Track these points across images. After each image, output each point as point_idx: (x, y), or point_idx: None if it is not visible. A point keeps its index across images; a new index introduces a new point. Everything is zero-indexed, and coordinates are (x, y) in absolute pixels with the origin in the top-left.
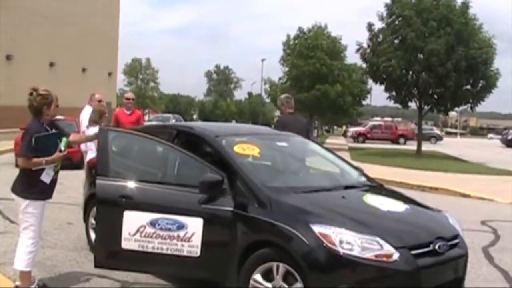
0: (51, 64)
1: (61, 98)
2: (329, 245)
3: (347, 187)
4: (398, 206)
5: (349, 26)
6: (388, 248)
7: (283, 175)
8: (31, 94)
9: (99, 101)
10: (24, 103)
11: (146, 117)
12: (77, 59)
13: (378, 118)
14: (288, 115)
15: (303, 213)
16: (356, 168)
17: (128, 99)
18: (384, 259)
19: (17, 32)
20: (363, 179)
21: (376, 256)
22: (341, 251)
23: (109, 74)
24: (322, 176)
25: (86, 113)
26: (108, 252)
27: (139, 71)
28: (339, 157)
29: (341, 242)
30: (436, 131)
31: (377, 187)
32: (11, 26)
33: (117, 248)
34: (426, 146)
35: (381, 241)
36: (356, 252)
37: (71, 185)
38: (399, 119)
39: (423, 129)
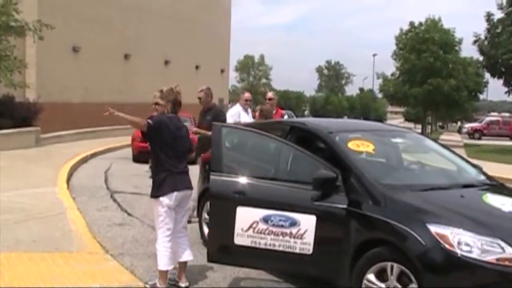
0: (166, 62)
1: None
2: (447, 246)
3: (465, 186)
4: None
5: (461, 17)
6: (511, 252)
7: (398, 172)
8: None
9: (270, 99)
10: (140, 100)
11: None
12: (191, 57)
13: (495, 114)
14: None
15: (419, 212)
16: (475, 166)
17: (270, 99)
18: (507, 263)
19: (133, 31)
20: (482, 177)
21: (497, 259)
22: (459, 252)
23: (222, 71)
24: (439, 173)
25: (233, 112)
26: (221, 247)
27: (251, 67)
28: (456, 154)
29: (459, 243)
30: None
31: (498, 186)
32: (127, 26)
33: (230, 243)
34: None
35: (503, 244)
36: (475, 254)
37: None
38: None
39: None
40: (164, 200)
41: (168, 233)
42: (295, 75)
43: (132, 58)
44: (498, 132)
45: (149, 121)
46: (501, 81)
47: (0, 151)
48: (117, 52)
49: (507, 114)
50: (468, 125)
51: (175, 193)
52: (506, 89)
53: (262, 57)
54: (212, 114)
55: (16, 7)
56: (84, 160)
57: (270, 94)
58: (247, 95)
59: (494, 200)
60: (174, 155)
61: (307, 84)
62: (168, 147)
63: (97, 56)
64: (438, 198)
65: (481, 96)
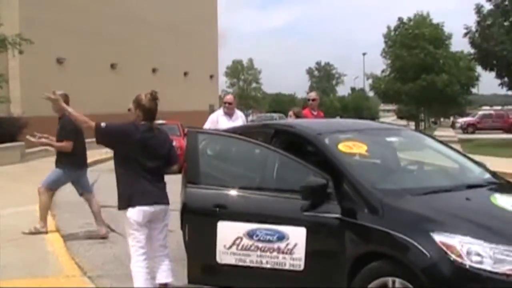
0: (154, 70)
1: (164, 103)
2: (454, 257)
3: (470, 186)
4: None
5: (451, 13)
6: None
7: (396, 175)
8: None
9: (313, 99)
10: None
11: (250, 118)
12: (179, 64)
13: (487, 107)
14: None
15: (422, 219)
16: (478, 163)
17: (313, 99)
18: None
19: (119, 40)
20: (487, 175)
21: None
22: (469, 264)
23: (211, 76)
24: (441, 174)
25: (212, 117)
26: (203, 267)
27: (240, 72)
28: (458, 151)
29: (468, 253)
30: None
31: (506, 185)
32: (113, 35)
33: (212, 262)
34: None
35: None
36: (487, 265)
37: (177, 189)
38: (511, 107)
39: None
40: (132, 216)
41: (142, 251)
42: (286, 78)
43: (118, 67)
44: (492, 126)
45: (102, 124)
46: (492, 74)
47: None
48: (103, 62)
49: (499, 107)
50: (461, 120)
51: (144, 208)
52: (498, 82)
53: (250, 60)
54: (61, 123)
55: None
56: None
57: (313, 94)
58: (228, 97)
59: (504, 201)
60: (142, 167)
61: (298, 86)
62: (133, 159)
63: (83, 67)
64: (441, 203)
65: (473, 90)
